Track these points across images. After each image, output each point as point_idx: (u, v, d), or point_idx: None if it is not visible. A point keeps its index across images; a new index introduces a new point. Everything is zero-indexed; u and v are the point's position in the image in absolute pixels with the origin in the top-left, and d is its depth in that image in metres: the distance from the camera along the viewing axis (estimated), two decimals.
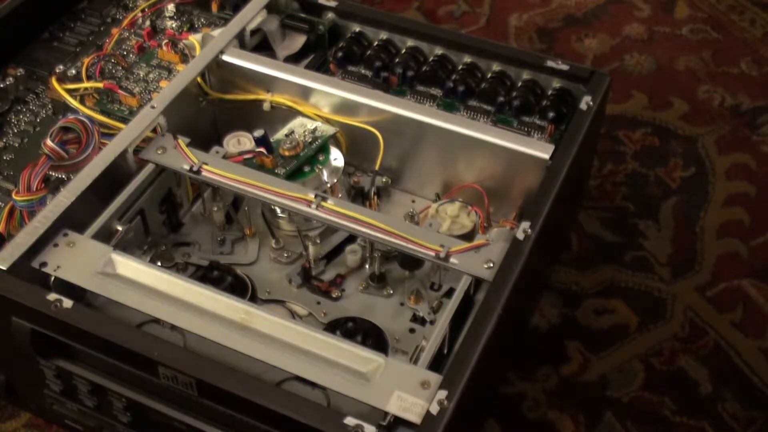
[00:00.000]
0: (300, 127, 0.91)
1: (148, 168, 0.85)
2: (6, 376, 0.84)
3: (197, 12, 1.07)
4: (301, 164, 0.88)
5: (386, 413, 0.67)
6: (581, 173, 1.00)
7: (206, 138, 0.92)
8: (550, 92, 0.94)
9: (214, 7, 1.06)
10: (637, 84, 1.21)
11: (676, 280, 1.00)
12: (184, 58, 0.99)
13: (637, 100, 1.19)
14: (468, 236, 0.83)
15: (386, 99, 0.91)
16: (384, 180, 0.94)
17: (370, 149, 0.91)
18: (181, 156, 0.85)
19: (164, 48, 1.00)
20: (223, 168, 0.84)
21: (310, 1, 1.01)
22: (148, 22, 1.05)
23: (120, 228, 0.81)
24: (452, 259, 0.77)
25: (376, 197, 0.91)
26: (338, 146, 0.92)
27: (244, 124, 0.92)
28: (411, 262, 0.86)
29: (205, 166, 0.84)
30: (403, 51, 0.98)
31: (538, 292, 0.97)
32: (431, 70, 0.97)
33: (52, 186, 0.84)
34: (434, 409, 0.66)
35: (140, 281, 0.76)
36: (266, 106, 0.94)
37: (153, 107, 0.87)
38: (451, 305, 0.75)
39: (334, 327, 0.82)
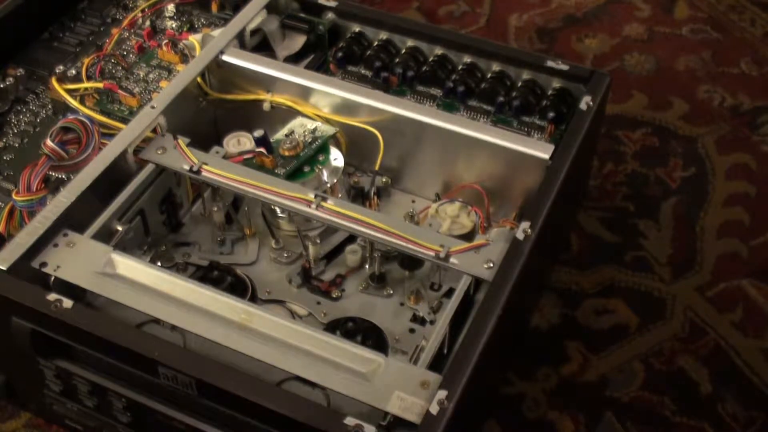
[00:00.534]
0: (300, 127, 0.91)
1: (148, 168, 0.85)
2: (6, 376, 0.84)
3: (197, 12, 1.07)
4: (301, 164, 0.88)
5: (386, 413, 0.67)
6: (581, 173, 1.00)
7: (206, 138, 0.92)
8: (550, 92, 0.94)
9: (214, 7, 1.06)
10: (637, 84, 1.21)
11: (676, 280, 1.00)
12: (184, 58, 0.99)
13: (637, 100, 1.19)
14: (468, 236, 0.83)
15: (386, 99, 0.91)
16: (384, 180, 0.94)
17: (370, 149, 0.92)
18: (181, 156, 0.85)
19: (164, 48, 1.00)
20: (223, 168, 0.84)
21: (310, 1, 1.01)
22: (148, 23, 1.05)
23: (120, 228, 0.82)
24: (452, 259, 0.78)
25: (376, 197, 0.91)
26: (338, 146, 0.92)
27: (244, 124, 0.92)
28: (411, 262, 0.86)
29: (205, 166, 0.84)
30: (403, 51, 0.98)
31: (538, 292, 0.97)
32: (431, 70, 0.97)
33: (52, 186, 0.84)
34: (434, 409, 0.66)
35: (140, 281, 0.76)
36: (266, 106, 0.94)
37: (153, 107, 0.87)
38: (451, 305, 0.75)
39: (334, 327, 0.82)
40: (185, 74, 0.92)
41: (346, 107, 0.91)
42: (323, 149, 0.90)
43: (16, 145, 0.94)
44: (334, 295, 0.86)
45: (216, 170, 0.84)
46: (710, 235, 1.04)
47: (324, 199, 0.81)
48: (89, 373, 0.76)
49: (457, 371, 0.69)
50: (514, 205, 0.90)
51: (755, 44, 1.27)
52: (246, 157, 0.87)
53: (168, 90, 0.90)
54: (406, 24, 0.99)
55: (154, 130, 0.87)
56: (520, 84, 0.95)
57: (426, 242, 0.78)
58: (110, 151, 0.83)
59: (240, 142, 0.91)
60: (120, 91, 0.95)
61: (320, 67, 1.00)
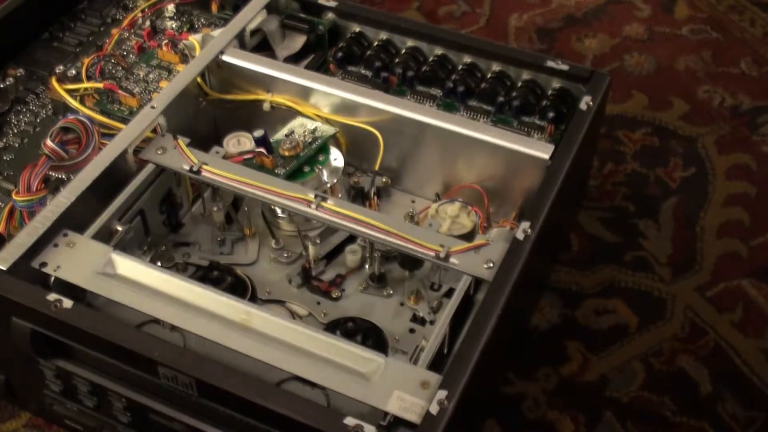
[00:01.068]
0: (300, 127, 0.91)
1: (148, 168, 0.85)
2: (6, 376, 0.84)
3: (197, 12, 1.07)
4: (301, 164, 0.88)
5: (386, 413, 0.67)
6: (581, 173, 1.00)
7: (206, 138, 0.92)
8: (550, 92, 0.94)
9: (214, 7, 1.06)
10: (637, 84, 1.21)
11: (676, 280, 1.00)
12: (184, 58, 0.99)
13: (637, 100, 1.19)
14: (468, 236, 0.83)
15: (386, 99, 0.91)
16: (384, 180, 0.94)
17: (370, 149, 0.92)
18: (181, 156, 0.85)
19: (164, 48, 1.00)
20: (223, 168, 0.84)
21: (310, 1, 1.01)
22: (148, 23, 1.05)
23: (120, 228, 0.82)
24: (452, 259, 0.78)
25: (376, 197, 0.91)
26: (338, 146, 0.92)
27: (244, 124, 0.93)
28: (411, 262, 0.86)
29: (205, 166, 0.84)
30: (403, 51, 0.98)
31: (538, 292, 0.97)
32: (431, 70, 0.97)
33: (52, 186, 0.84)
34: (434, 409, 0.66)
35: (140, 281, 0.76)
36: (266, 107, 0.94)
37: (153, 107, 0.87)
38: (451, 305, 0.75)
39: (334, 327, 0.81)
40: (185, 74, 0.92)
41: (346, 107, 0.91)
42: (323, 149, 0.90)
43: (16, 145, 0.94)
44: (334, 295, 0.86)
45: (216, 170, 0.84)
46: (710, 235, 1.04)
47: (324, 199, 0.81)
48: (89, 373, 0.76)
49: (457, 371, 0.69)
50: (514, 205, 0.90)
51: (755, 44, 1.27)
52: (246, 157, 0.87)
53: (168, 90, 0.90)
54: (406, 24, 0.99)
55: (154, 130, 0.87)
56: (520, 84, 0.95)
57: (426, 242, 0.78)
58: (110, 151, 0.83)
59: (240, 142, 0.91)
60: (120, 91, 0.95)
61: (320, 67, 1.00)
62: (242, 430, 0.71)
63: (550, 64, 0.93)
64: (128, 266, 0.76)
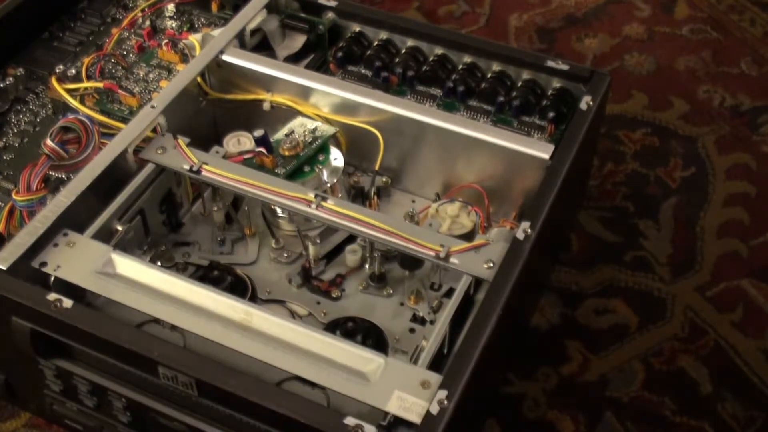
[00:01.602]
0: (300, 127, 0.91)
1: (148, 168, 0.85)
2: (6, 376, 0.84)
3: (197, 12, 1.07)
4: (301, 164, 0.88)
5: (386, 413, 0.67)
6: (581, 173, 1.00)
7: (206, 138, 0.92)
8: (550, 92, 0.94)
9: (214, 7, 1.06)
10: (637, 84, 1.21)
11: (676, 280, 1.00)
12: (184, 58, 0.99)
13: (637, 100, 1.19)
14: (468, 236, 0.83)
15: (386, 99, 0.91)
16: (384, 180, 0.94)
17: (370, 149, 0.92)
18: (181, 156, 0.85)
19: (164, 48, 1.00)
20: (223, 168, 0.84)
21: (310, 1, 1.01)
22: (148, 22, 1.05)
23: (120, 228, 0.81)
24: (452, 259, 0.77)
25: (376, 197, 0.91)
26: (338, 146, 0.92)
27: (244, 124, 0.92)
28: (411, 262, 0.86)
29: (205, 166, 0.84)
30: (403, 51, 0.98)
31: (538, 292, 0.97)
32: (431, 70, 0.97)
33: (52, 186, 0.84)
34: (434, 409, 0.66)
35: (140, 281, 0.76)
36: (266, 106, 0.94)
37: (153, 107, 0.87)
38: (451, 305, 0.75)
39: (334, 327, 0.81)
40: (185, 74, 0.92)
41: (346, 107, 0.91)
42: (323, 149, 0.90)
43: (16, 145, 0.94)
44: (334, 295, 0.86)
45: (216, 170, 0.84)
46: (710, 235, 1.04)
47: (324, 199, 0.81)
48: (89, 373, 0.76)
49: (457, 371, 0.69)
50: (514, 205, 0.90)
51: (755, 44, 1.27)
52: (246, 157, 0.87)
53: (168, 90, 0.90)
54: (406, 24, 0.99)
55: (154, 130, 0.87)
56: (520, 84, 0.95)
57: (426, 242, 0.78)
58: (110, 151, 0.83)
59: (240, 141, 0.91)
60: (120, 91, 0.95)
61: (320, 67, 1.00)
62: (242, 430, 0.71)
63: (550, 64, 0.93)
64: (128, 266, 0.76)
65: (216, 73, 0.94)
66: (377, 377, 0.69)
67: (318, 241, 0.87)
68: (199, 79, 0.93)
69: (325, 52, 1.01)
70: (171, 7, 1.06)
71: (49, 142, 0.82)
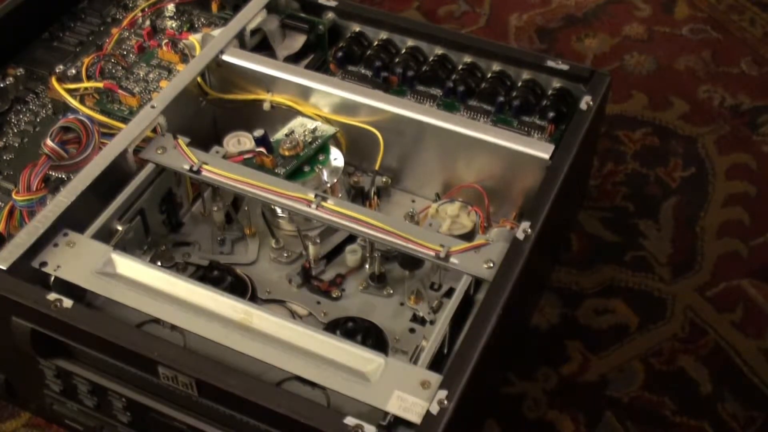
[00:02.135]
0: (300, 127, 0.91)
1: (148, 168, 0.85)
2: (6, 376, 0.84)
3: (197, 12, 1.07)
4: (301, 164, 0.88)
5: (386, 413, 0.67)
6: (581, 173, 1.00)
7: (206, 138, 0.92)
8: (550, 92, 0.94)
9: (214, 7, 1.06)
10: (637, 84, 1.21)
11: (676, 280, 1.00)
12: (184, 58, 0.99)
13: (637, 100, 1.19)
14: (468, 236, 0.83)
15: (386, 99, 0.91)
16: (384, 180, 0.94)
17: (370, 149, 0.92)
18: (181, 156, 0.85)
19: (164, 48, 1.00)
20: (223, 168, 0.84)
21: (310, 1, 1.01)
22: (148, 22, 1.05)
23: (120, 228, 0.82)
24: (452, 259, 0.77)
25: (376, 197, 0.91)
26: (338, 146, 0.92)
27: (244, 124, 0.92)
28: (411, 262, 0.86)
29: (205, 166, 0.84)
30: (403, 51, 0.98)
31: (538, 292, 0.97)
32: (431, 70, 0.97)
33: (52, 186, 0.84)
34: (434, 409, 0.66)
35: (140, 281, 0.76)
36: (266, 106, 0.94)
37: (153, 107, 0.87)
38: (451, 305, 0.75)
39: (334, 327, 0.81)
40: (185, 74, 0.92)
41: (346, 107, 0.91)
42: (323, 149, 0.90)
43: (16, 145, 0.94)
44: (334, 295, 0.86)
45: (216, 170, 0.84)
46: (710, 235, 1.04)
47: (324, 199, 0.81)
48: (89, 373, 0.76)
49: (457, 371, 0.69)
50: (514, 205, 0.90)
51: (755, 44, 1.27)
52: (246, 156, 0.87)
53: (168, 90, 0.90)
54: (406, 24, 0.99)
55: (154, 130, 0.87)
56: (520, 84, 0.95)
57: (426, 242, 0.78)
58: (110, 151, 0.83)
59: (240, 141, 0.91)
60: (120, 91, 0.95)
61: (320, 67, 1.00)
62: (242, 430, 0.71)
63: (550, 63, 0.93)
64: (128, 266, 0.76)
65: (216, 73, 0.94)
66: (377, 377, 0.69)
67: (318, 241, 0.87)
68: (199, 79, 0.93)
69: (325, 52, 1.01)
70: (171, 7, 1.06)
71: (49, 142, 0.82)
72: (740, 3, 1.33)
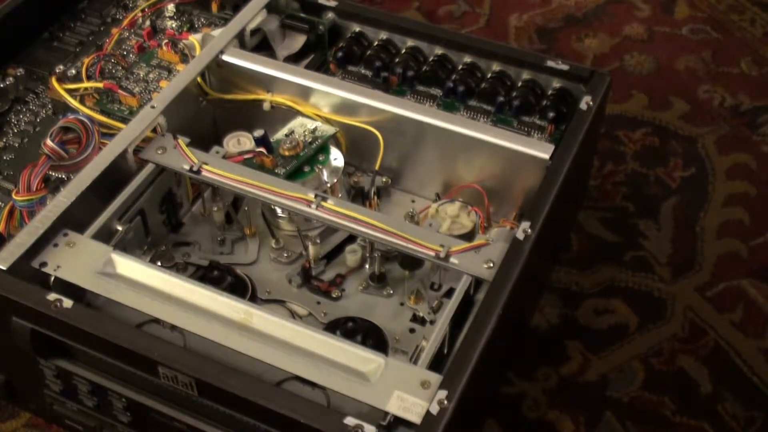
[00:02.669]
0: (300, 127, 0.91)
1: (148, 168, 0.85)
2: (6, 376, 0.84)
3: (197, 12, 1.07)
4: (301, 164, 0.88)
5: (386, 413, 0.67)
6: (581, 173, 1.00)
7: (206, 138, 0.92)
8: (550, 92, 0.94)
9: (214, 7, 1.06)
10: (637, 84, 1.21)
11: (676, 280, 1.00)
12: (184, 58, 0.99)
13: (637, 100, 1.19)
14: (468, 236, 0.83)
15: (386, 99, 0.91)
16: (384, 180, 0.94)
17: (370, 149, 0.92)
18: (181, 156, 0.85)
19: (164, 48, 1.00)
20: (223, 168, 0.84)
21: (310, 1, 1.01)
22: (148, 22, 1.05)
23: (120, 228, 0.82)
24: (452, 259, 0.77)
25: (376, 197, 0.91)
26: (338, 146, 0.92)
27: (244, 124, 0.92)
28: (411, 262, 0.86)
29: (205, 166, 0.84)
30: (403, 51, 0.98)
31: (538, 292, 0.97)
32: (431, 70, 0.97)
33: (52, 186, 0.84)
34: (434, 409, 0.66)
35: (140, 281, 0.76)
36: (266, 106, 0.94)
37: (153, 107, 0.87)
38: (451, 305, 0.75)
39: (334, 327, 0.81)
40: (185, 74, 0.92)
41: (346, 107, 0.91)
42: (323, 149, 0.90)
43: (16, 145, 0.94)
44: (334, 295, 0.86)
45: (216, 170, 0.84)
46: (710, 235, 1.04)
47: (324, 199, 0.81)
48: (89, 373, 0.76)
49: (457, 371, 0.69)
50: (514, 205, 0.90)
51: (755, 44, 1.27)
52: (246, 157, 0.87)
53: (168, 90, 0.90)
54: (406, 24, 0.99)
55: (154, 130, 0.87)
56: (520, 84, 0.95)
57: (426, 242, 0.78)
58: (110, 151, 0.83)
59: (240, 142, 0.91)
60: (120, 91, 0.95)
61: (320, 67, 1.00)
62: (242, 430, 0.71)
63: (550, 64, 0.93)
64: (128, 266, 0.76)
65: (216, 73, 0.94)
66: (377, 377, 0.69)
67: (318, 241, 0.87)
68: (199, 79, 0.93)
69: (325, 52, 1.01)
70: (171, 7, 1.06)
71: (49, 142, 0.82)
72: (740, 3, 1.33)
